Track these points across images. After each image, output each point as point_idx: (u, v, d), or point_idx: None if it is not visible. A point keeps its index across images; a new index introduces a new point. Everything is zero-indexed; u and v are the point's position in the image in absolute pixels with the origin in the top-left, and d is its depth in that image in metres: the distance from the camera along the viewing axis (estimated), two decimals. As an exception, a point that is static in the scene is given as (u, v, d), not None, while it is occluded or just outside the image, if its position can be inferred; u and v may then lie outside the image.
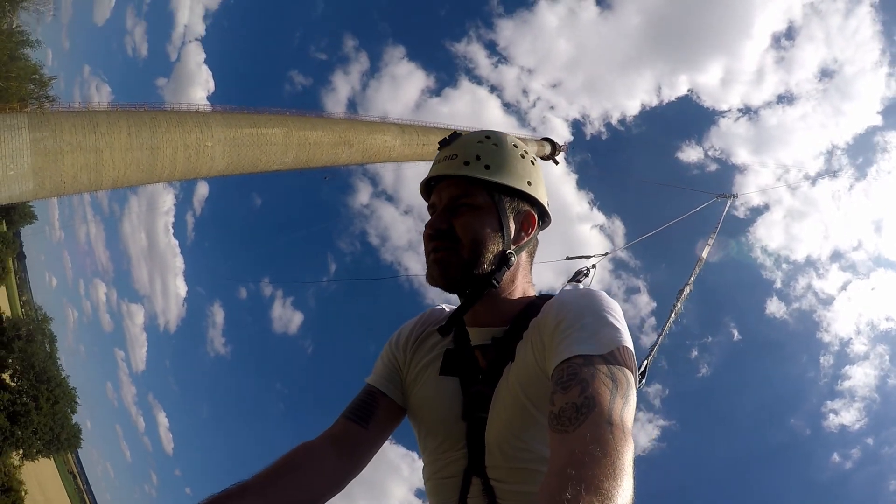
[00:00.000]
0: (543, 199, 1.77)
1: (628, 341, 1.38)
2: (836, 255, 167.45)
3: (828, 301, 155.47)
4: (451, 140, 1.75)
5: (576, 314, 1.45)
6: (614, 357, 1.30)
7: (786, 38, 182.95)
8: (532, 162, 1.76)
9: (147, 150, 35.12)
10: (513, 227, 1.69)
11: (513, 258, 1.68)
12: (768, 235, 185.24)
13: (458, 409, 1.66)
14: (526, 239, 1.74)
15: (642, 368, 3.78)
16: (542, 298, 1.72)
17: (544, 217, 1.82)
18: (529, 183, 1.72)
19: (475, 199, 1.65)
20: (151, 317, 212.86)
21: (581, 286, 2.04)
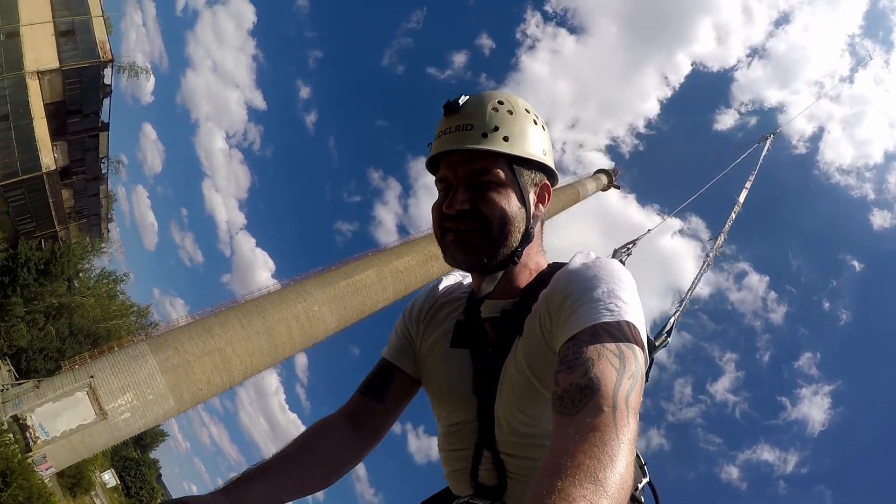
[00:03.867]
0: (554, 166, 1.66)
1: (638, 316, 1.30)
2: None
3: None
4: (458, 106, 1.55)
5: (584, 287, 1.36)
6: (623, 333, 1.22)
7: None
8: (543, 127, 1.62)
9: (264, 335, 36.73)
10: (532, 200, 1.58)
11: (532, 232, 1.59)
12: (838, 154, 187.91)
13: (469, 382, 1.62)
14: (543, 210, 1.64)
15: (668, 328, 3.62)
16: (553, 268, 1.63)
17: (554, 183, 1.69)
18: (544, 152, 1.59)
19: (497, 174, 1.50)
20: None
21: (592, 254, 1.64)
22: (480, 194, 1.51)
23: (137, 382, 31.03)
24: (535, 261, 1.66)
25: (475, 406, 1.62)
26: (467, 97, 1.56)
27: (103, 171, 48.02)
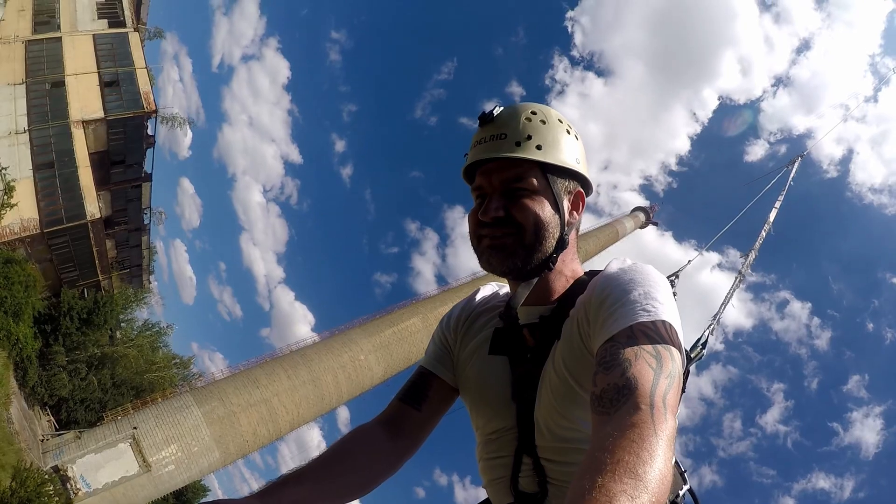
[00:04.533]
0: (589, 175, 1.70)
1: (675, 317, 1.34)
2: None
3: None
4: (493, 116, 1.61)
5: (621, 290, 1.40)
6: (660, 335, 1.26)
7: None
8: (576, 137, 1.67)
9: (310, 385, 36.87)
10: (567, 207, 1.63)
11: (567, 239, 1.63)
12: (868, 174, 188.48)
13: (508, 389, 1.64)
14: (577, 217, 1.68)
15: (703, 339, 3.81)
16: (590, 275, 1.68)
17: (589, 192, 1.73)
18: (577, 161, 1.64)
19: (531, 182, 1.56)
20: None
21: (629, 260, 1.55)
22: (515, 202, 1.55)
23: (182, 434, 30.75)
24: (570, 268, 1.68)
25: (515, 412, 1.63)
26: (501, 108, 1.61)
27: (145, 222, 48.06)
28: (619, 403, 1.10)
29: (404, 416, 1.73)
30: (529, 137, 1.56)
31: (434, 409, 1.78)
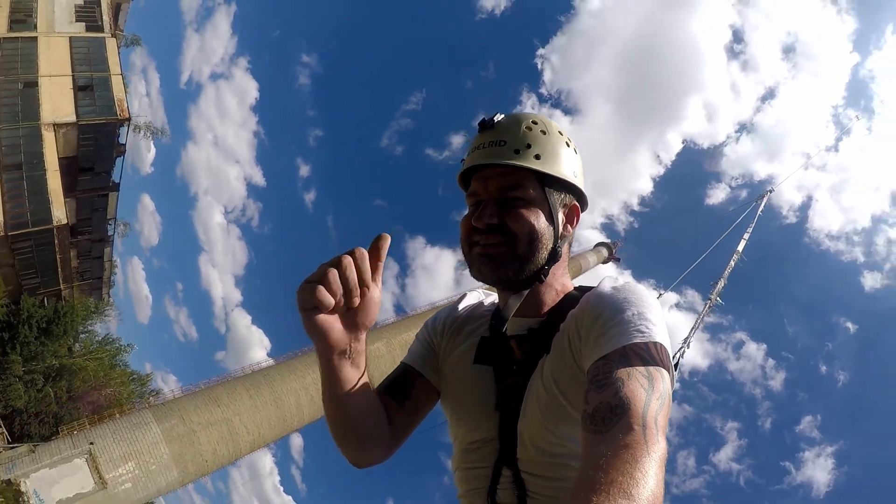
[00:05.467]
0: (586, 190, 1.70)
1: (666, 338, 1.34)
2: None
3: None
4: (494, 123, 1.60)
5: (614, 309, 1.40)
6: (651, 356, 1.26)
7: (735, 42, 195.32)
8: (575, 150, 1.67)
9: (272, 406, 36.34)
10: (561, 220, 1.61)
11: (560, 252, 1.62)
12: (826, 221, 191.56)
13: (492, 399, 1.61)
14: (571, 231, 1.67)
15: (675, 362, 3.68)
16: (581, 290, 1.67)
17: (584, 207, 1.72)
18: (575, 174, 1.64)
19: (527, 191, 1.55)
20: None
21: (621, 279, 1.55)
22: (510, 210, 1.53)
23: (140, 451, 29.92)
24: (560, 281, 1.67)
25: (497, 423, 1.60)
26: (502, 116, 1.60)
27: (109, 233, 47.03)
28: (612, 423, 1.10)
29: (389, 407, 1.67)
30: (529, 146, 1.55)
31: (416, 406, 1.74)
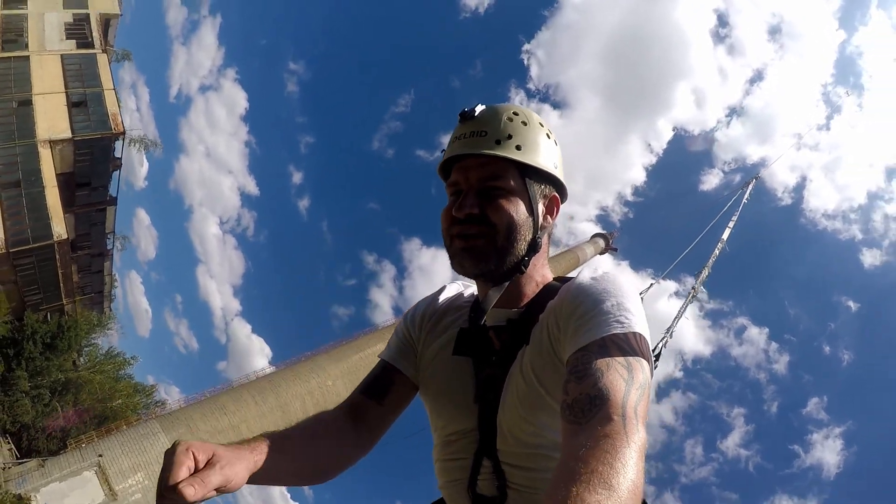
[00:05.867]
0: (565, 181, 1.71)
1: (645, 329, 1.36)
2: (891, 172, 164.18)
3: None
4: (475, 114, 1.61)
5: (594, 300, 1.41)
6: (631, 346, 1.28)
7: (720, 26, 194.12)
8: (555, 142, 1.69)
9: (278, 411, 36.37)
10: (541, 211, 1.63)
11: (540, 243, 1.64)
12: (822, 201, 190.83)
13: (471, 390, 1.63)
14: (551, 222, 1.69)
15: (656, 352, 3.64)
16: (561, 281, 1.69)
17: (564, 198, 1.74)
18: (556, 165, 1.65)
19: (508, 182, 1.56)
20: None
21: (600, 270, 1.57)
22: (490, 201, 1.54)
23: (149, 462, 29.97)
24: (540, 273, 1.69)
25: (477, 415, 1.61)
26: (483, 106, 1.61)
27: (108, 248, 47.18)
28: (592, 413, 1.11)
29: (366, 408, 1.71)
30: (510, 137, 1.56)
31: (395, 403, 1.76)
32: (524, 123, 1.59)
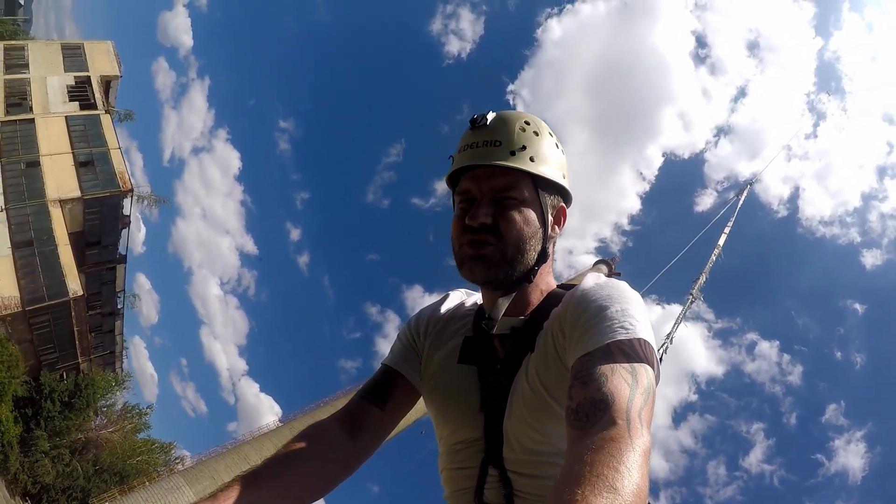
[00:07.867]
0: (571, 190, 1.69)
1: (650, 335, 1.35)
2: (882, 171, 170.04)
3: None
4: (486, 122, 1.58)
5: (598, 306, 1.41)
6: (636, 352, 1.27)
7: (699, 47, 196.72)
8: (562, 152, 1.67)
9: None
10: (550, 221, 1.61)
11: (548, 253, 1.63)
12: (817, 208, 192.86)
13: (476, 398, 1.62)
14: (558, 232, 1.67)
15: (659, 357, 3.37)
16: (564, 288, 1.68)
17: (569, 206, 1.72)
18: (564, 176, 1.64)
19: (522, 193, 1.54)
20: None
21: (603, 277, 1.57)
22: (503, 211, 1.52)
23: None
24: (545, 281, 1.68)
25: (483, 423, 1.60)
26: (494, 114, 1.59)
27: (119, 307, 47.00)
28: (596, 418, 1.10)
29: (366, 414, 1.67)
30: (524, 148, 1.54)
31: (397, 409, 1.74)
32: (536, 133, 1.58)
